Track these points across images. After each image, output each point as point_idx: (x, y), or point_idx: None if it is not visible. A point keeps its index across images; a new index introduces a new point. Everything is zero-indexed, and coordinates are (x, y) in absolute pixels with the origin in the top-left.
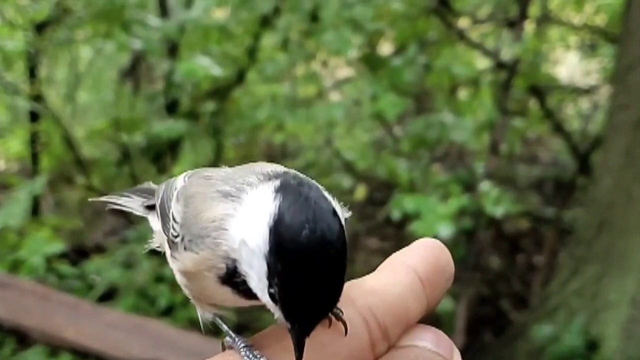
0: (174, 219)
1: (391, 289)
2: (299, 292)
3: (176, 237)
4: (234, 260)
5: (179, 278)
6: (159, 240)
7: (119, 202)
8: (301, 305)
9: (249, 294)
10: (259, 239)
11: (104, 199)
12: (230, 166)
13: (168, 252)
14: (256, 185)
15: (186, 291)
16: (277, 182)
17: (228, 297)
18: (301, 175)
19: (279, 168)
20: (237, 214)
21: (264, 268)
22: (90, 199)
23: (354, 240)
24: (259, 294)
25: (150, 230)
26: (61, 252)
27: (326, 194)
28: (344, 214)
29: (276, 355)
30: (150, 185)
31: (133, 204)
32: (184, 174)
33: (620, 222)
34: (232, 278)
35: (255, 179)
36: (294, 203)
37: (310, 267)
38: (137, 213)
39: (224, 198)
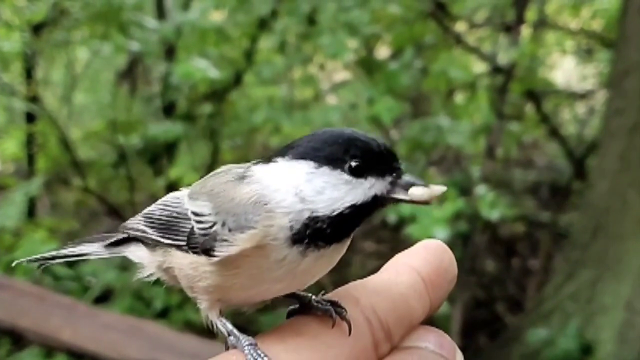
0: (197, 215)
1: (394, 290)
2: (377, 145)
3: (210, 227)
4: (300, 213)
5: (214, 278)
6: (152, 264)
7: (61, 254)
8: (381, 149)
9: (319, 236)
10: (315, 164)
11: (43, 255)
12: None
13: (184, 261)
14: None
15: (202, 294)
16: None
17: (282, 269)
18: None
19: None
20: (269, 187)
21: (335, 170)
22: (23, 261)
23: (350, 243)
24: (339, 195)
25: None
26: None
27: None
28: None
29: (279, 355)
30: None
31: (88, 248)
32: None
33: (615, 227)
34: (306, 230)
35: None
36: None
37: (364, 136)
38: (96, 256)
39: (241, 180)
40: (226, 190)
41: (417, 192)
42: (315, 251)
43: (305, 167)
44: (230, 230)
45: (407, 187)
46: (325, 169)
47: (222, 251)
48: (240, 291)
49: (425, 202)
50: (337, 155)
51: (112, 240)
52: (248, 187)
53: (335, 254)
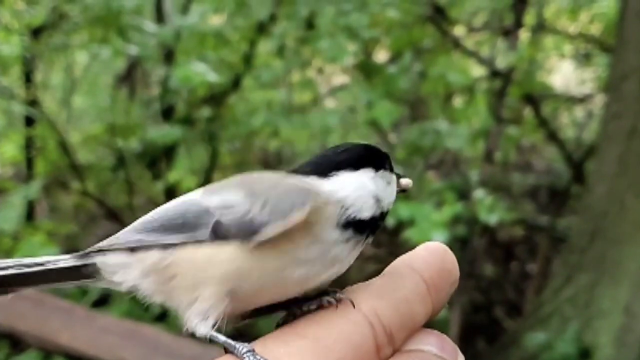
0: (223, 207)
1: (397, 293)
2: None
3: (245, 213)
4: (375, 212)
5: (237, 264)
6: (137, 268)
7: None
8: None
9: (361, 227)
10: (374, 169)
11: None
12: (224, 175)
13: (196, 254)
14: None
15: (210, 286)
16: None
17: (318, 250)
18: None
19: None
20: (322, 186)
21: (386, 171)
22: None
23: None
24: (392, 191)
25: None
26: None
27: None
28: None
29: (281, 358)
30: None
31: (53, 257)
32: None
33: (613, 231)
34: (369, 224)
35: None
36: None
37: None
38: (63, 265)
39: (287, 177)
40: (265, 181)
41: (405, 181)
42: (356, 242)
43: (368, 174)
44: (271, 212)
45: (399, 178)
46: (381, 172)
47: (263, 232)
48: (261, 284)
49: (405, 191)
50: (381, 159)
51: (85, 252)
52: (298, 181)
53: (356, 252)
